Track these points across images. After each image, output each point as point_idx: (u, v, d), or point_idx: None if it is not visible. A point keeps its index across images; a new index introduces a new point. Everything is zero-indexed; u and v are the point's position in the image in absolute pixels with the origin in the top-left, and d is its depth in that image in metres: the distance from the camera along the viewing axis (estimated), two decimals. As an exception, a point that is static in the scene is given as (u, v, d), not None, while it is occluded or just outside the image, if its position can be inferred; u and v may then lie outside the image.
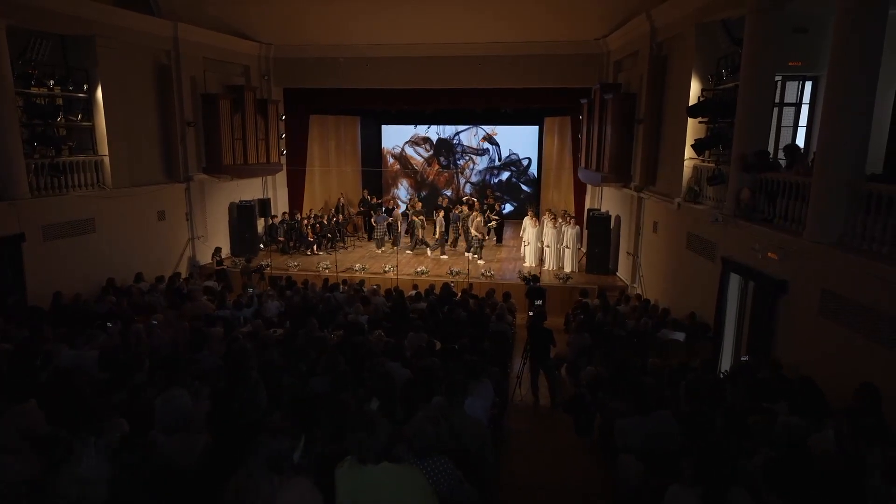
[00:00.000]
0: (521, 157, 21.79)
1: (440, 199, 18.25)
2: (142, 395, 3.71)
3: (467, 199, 18.52)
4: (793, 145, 8.70)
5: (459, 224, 16.49)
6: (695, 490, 2.52)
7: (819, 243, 6.57)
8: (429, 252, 15.98)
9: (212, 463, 2.58)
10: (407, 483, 2.36)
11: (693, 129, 10.40)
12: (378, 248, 16.64)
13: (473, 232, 15.54)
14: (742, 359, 7.79)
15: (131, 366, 4.04)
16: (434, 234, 16.17)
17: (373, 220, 17.04)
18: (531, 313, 9.23)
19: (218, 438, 2.76)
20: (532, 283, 11.70)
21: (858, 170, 6.47)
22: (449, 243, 16.51)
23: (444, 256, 15.87)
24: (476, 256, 15.37)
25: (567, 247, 14.74)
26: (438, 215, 16.01)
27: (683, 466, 2.68)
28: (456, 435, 3.13)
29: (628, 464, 3.51)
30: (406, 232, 17.20)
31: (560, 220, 15.07)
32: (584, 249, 15.33)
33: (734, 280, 8.81)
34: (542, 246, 15.14)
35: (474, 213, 16.09)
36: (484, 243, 16.03)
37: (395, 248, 16.32)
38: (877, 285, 5.68)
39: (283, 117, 16.80)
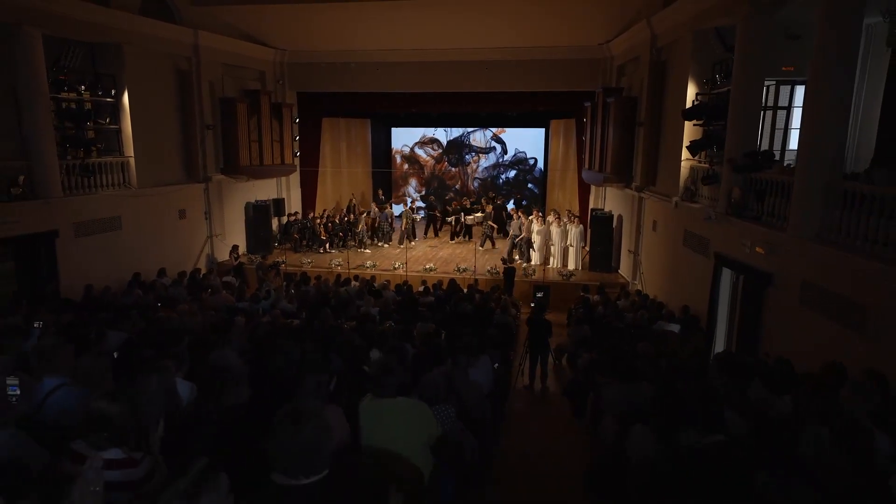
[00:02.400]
0: (527, 156, 22.33)
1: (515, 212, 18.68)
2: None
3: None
4: (768, 152, 9.17)
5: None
6: (652, 428, 3.05)
7: (800, 238, 7.05)
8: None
9: (254, 409, 3.12)
10: (415, 413, 2.91)
11: (690, 131, 10.87)
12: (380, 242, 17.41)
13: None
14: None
15: (173, 339, 4.60)
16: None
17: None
18: (532, 304, 9.76)
19: (257, 391, 3.31)
20: (507, 262, 12.54)
21: (836, 169, 6.95)
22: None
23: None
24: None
25: (571, 245, 15.24)
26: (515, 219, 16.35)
27: (645, 411, 3.19)
28: (458, 393, 3.67)
29: (608, 424, 4.02)
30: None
31: (564, 220, 15.56)
32: (587, 248, 15.81)
33: (726, 274, 9.29)
34: (549, 244, 15.61)
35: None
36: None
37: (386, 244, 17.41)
38: (847, 276, 6.17)
39: (297, 120, 17.43)
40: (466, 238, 18.28)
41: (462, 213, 18.48)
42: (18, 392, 2.37)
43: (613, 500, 3.29)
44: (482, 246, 16.95)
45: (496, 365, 5.61)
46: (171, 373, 3.09)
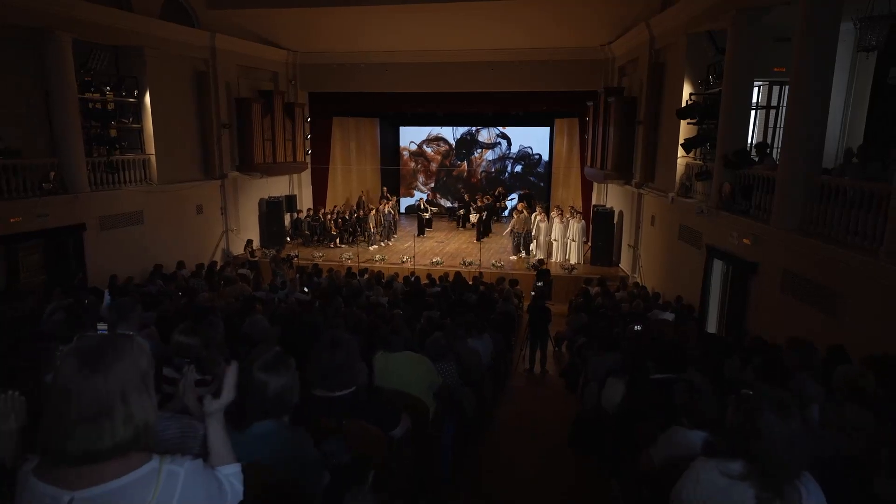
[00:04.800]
0: (532, 152, 22.91)
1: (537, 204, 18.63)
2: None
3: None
4: (763, 143, 9.63)
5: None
6: (622, 380, 3.58)
7: (782, 229, 7.54)
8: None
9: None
10: (420, 365, 3.46)
11: (685, 129, 11.34)
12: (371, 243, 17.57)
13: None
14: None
15: (205, 313, 5.16)
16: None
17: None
18: (533, 293, 10.29)
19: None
20: (538, 265, 12.86)
21: (815, 164, 7.43)
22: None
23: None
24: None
25: (573, 240, 15.74)
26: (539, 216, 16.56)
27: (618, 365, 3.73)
28: (458, 354, 4.22)
29: (592, 389, 4.55)
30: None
31: (567, 216, 16.07)
32: (589, 243, 16.30)
33: (717, 265, 9.78)
34: (550, 239, 16.12)
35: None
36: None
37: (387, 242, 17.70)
38: (822, 264, 6.67)
39: (308, 119, 18.03)
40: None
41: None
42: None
43: (591, 448, 3.84)
44: (523, 254, 16.60)
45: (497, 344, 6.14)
46: (219, 328, 3.66)
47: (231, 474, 1.43)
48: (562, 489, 3.75)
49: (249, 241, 15.84)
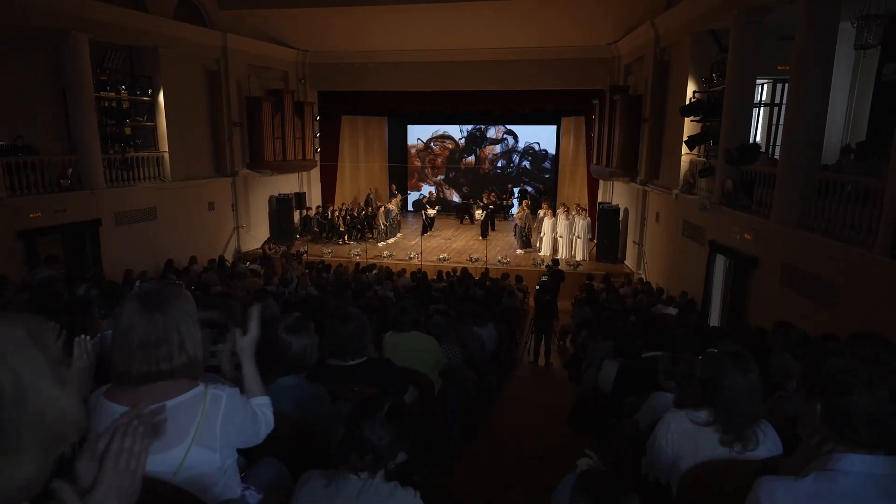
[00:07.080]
0: (539, 149, 23.10)
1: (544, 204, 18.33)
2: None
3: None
4: (754, 144, 9.76)
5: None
6: (616, 361, 3.79)
7: (781, 224, 7.69)
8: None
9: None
10: (426, 343, 3.69)
11: (689, 127, 11.49)
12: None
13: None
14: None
15: (222, 298, 5.39)
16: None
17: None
18: (538, 287, 10.48)
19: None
20: (553, 266, 13.00)
21: (815, 161, 7.58)
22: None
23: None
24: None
25: (579, 237, 15.91)
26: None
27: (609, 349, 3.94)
28: (461, 338, 4.43)
29: (591, 374, 4.75)
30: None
31: (573, 213, 16.24)
32: (594, 240, 16.46)
33: (720, 260, 9.93)
34: (556, 236, 16.30)
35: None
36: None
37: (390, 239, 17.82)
38: (819, 257, 6.82)
39: (318, 118, 18.29)
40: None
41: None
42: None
43: (588, 425, 4.04)
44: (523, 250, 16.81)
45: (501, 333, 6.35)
46: (237, 308, 3.88)
47: (262, 404, 1.70)
48: (557, 464, 3.94)
49: (269, 239, 16.18)
